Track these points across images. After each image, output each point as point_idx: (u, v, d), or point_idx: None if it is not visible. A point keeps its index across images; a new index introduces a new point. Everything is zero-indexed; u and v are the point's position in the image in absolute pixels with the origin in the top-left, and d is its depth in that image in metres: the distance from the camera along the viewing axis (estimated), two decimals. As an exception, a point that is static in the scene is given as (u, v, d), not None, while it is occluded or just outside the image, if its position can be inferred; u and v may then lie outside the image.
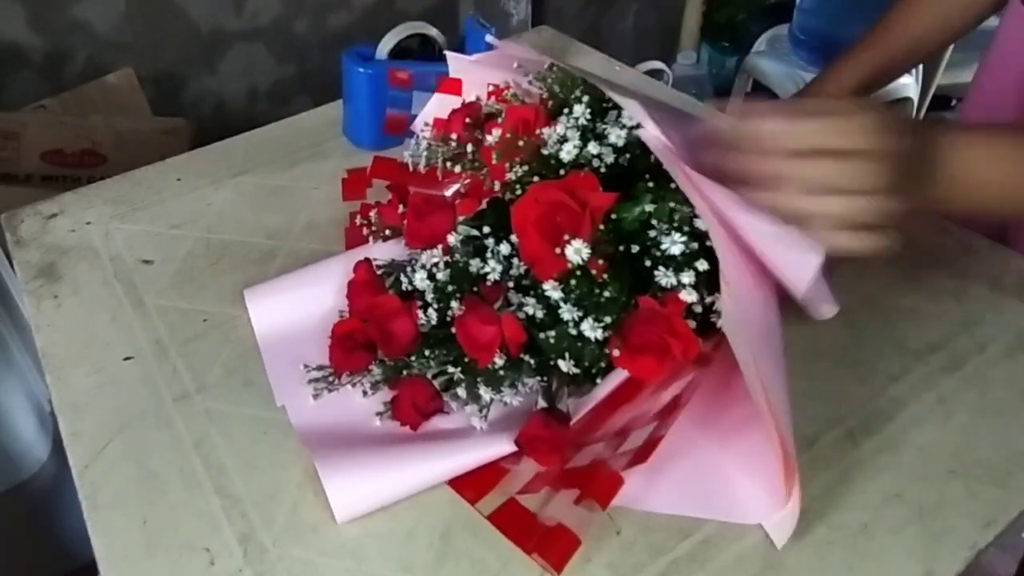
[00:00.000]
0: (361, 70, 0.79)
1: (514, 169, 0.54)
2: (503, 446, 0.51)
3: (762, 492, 0.50)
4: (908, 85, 1.65)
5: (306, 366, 0.57)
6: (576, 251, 0.47)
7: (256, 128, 0.89)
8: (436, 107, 0.68)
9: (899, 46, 0.66)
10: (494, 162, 0.55)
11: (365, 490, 0.51)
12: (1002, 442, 0.55)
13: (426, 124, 0.66)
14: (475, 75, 0.65)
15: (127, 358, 0.63)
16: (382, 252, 0.62)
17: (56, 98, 1.30)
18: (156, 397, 0.59)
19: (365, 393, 0.56)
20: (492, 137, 0.55)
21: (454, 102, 0.66)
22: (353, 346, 0.55)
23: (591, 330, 0.48)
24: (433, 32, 0.82)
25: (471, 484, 0.52)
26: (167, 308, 0.67)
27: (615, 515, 0.51)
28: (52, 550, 1.14)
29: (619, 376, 0.50)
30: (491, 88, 0.64)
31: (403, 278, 0.56)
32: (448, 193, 0.62)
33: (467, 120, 0.62)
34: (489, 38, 0.67)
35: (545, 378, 0.52)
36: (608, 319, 0.48)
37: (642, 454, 0.50)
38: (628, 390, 0.51)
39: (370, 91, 0.80)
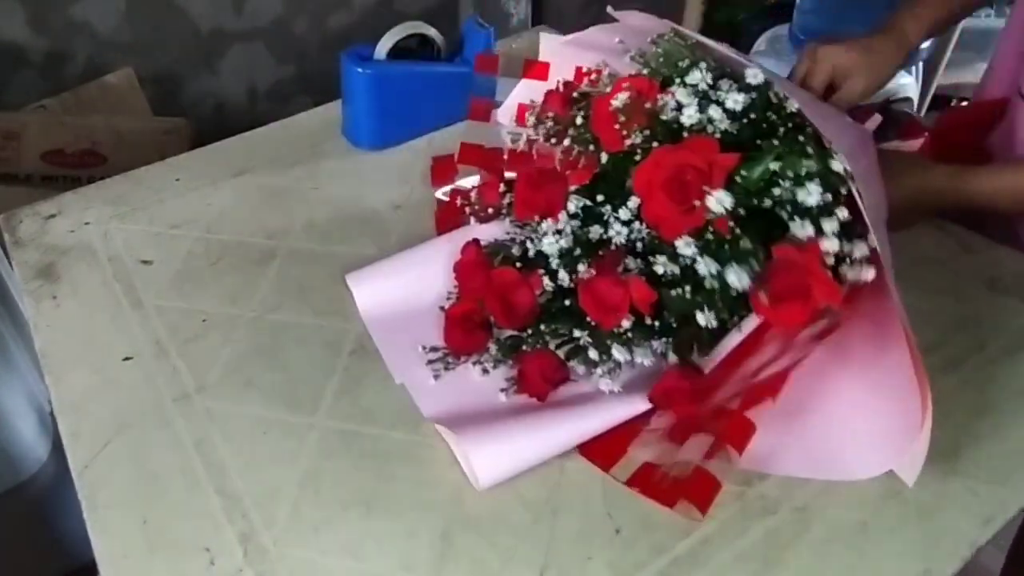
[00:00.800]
0: (360, 70, 0.79)
1: (634, 135, 0.54)
2: (637, 404, 0.53)
3: (890, 434, 0.50)
4: (908, 85, 1.65)
5: (424, 347, 0.58)
6: (718, 201, 0.48)
7: (256, 128, 0.89)
8: (524, 92, 0.69)
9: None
10: (618, 125, 0.55)
11: (505, 456, 0.52)
12: (1001, 441, 0.55)
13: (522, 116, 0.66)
14: (566, 56, 0.67)
15: (127, 358, 0.63)
16: (482, 233, 0.63)
17: (56, 98, 1.30)
18: (156, 397, 0.59)
19: (486, 371, 0.57)
20: (617, 101, 0.55)
21: (541, 87, 0.67)
22: (471, 327, 0.56)
23: (737, 279, 0.49)
24: (432, 32, 0.82)
25: (601, 451, 0.52)
26: (167, 308, 0.67)
27: (615, 514, 0.51)
28: (52, 550, 1.14)
29: (747, 327, 0.51)
30: (584, 70, 0.65)
31: (526, 246, 0.57)
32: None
33: (572, 95, 0.63)
34: (609, 9, 0.67)
35: (670, 339, 0.53)
36: (754, 265, 0.49)
37: (770, 388, 0.51)
38: (755, 340, 0.52)
39: (369, 91, 0.80)
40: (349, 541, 0.50)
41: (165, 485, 0.54)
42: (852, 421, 0.52)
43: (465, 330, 0.57)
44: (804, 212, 0.49)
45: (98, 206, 0.78)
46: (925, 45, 1.69)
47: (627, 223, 0.55)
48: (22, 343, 1.06)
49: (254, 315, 0.66)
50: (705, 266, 0.50)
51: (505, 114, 0.75)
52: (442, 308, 0.60)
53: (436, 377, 0.57)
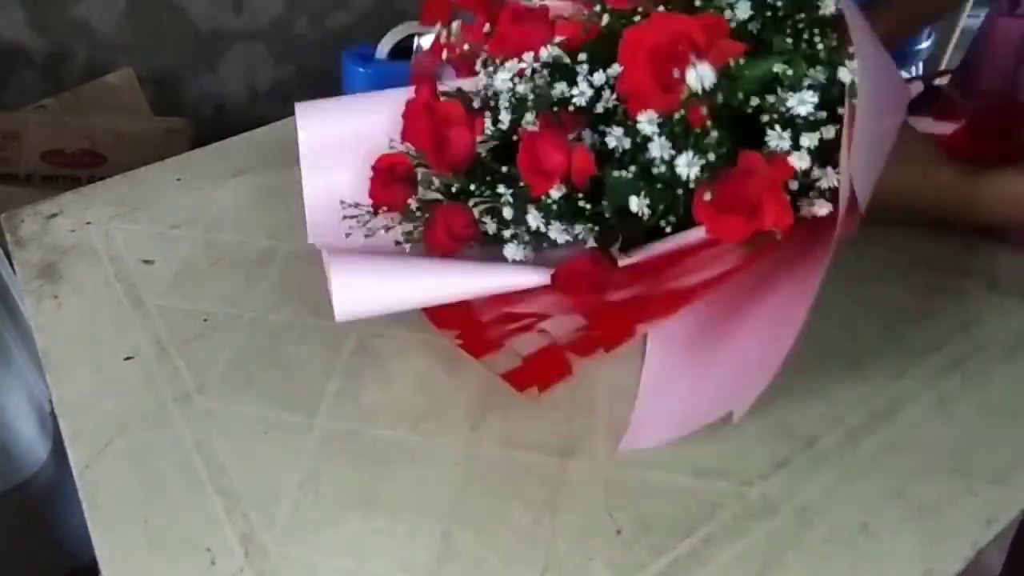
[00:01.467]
0: (361, 70, 0.79)
1: None
2: (535, 276, 0.48)
3: (749, 379, 0.46)
4: (908, 85, 1.65)
5: (343, 203, 0.53)
6: (699, 77, 0.43)
7: (256, 128, 0.89)
8: None
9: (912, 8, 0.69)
10: None
11: (371, 290, 0.48)
12: (1002, 441, 0.55)
13: None
14: None
15: (127, 358, 0.63)
16: (450, 84, 0.56)
17: (56, 98, 1.30)
18: (156, 397, 0.59)
19: (407, 235, 0.52)
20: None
21: None
22: (392, 179, 0.51)
23: (686, 167, 0.44)
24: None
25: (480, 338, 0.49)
26: (167, 308, 0.67)
27: (615, 514, 0.51)
28: (52, 550, 1.14)
29: (682, 238, 0.47)
30: None
31: (487, 96, 0.52)
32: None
33: None
34: None
35: (595, 227, 0.48)
36: (711, 157, 0.44)
37: (670, 304, 0.46)
38: (682, 254, 0.47)
39: (370, 90, 0.80)
40: (349, 541, 0.50)
41: (166, 485, 0.54)
42: (735, 367, 0.48)
43: (386, 181, 0.51)
44: (788, 122, 0.44)
45: (99, 206, 0.78)
46: (925, 45, 1.69)
47: (598, 89, 0.48)
48: (22, 343, 1.06)
49: (254, 315, 0.66)
50: (660, 147, 0.44)
51: None
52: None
53: (347, 235, 0.53)
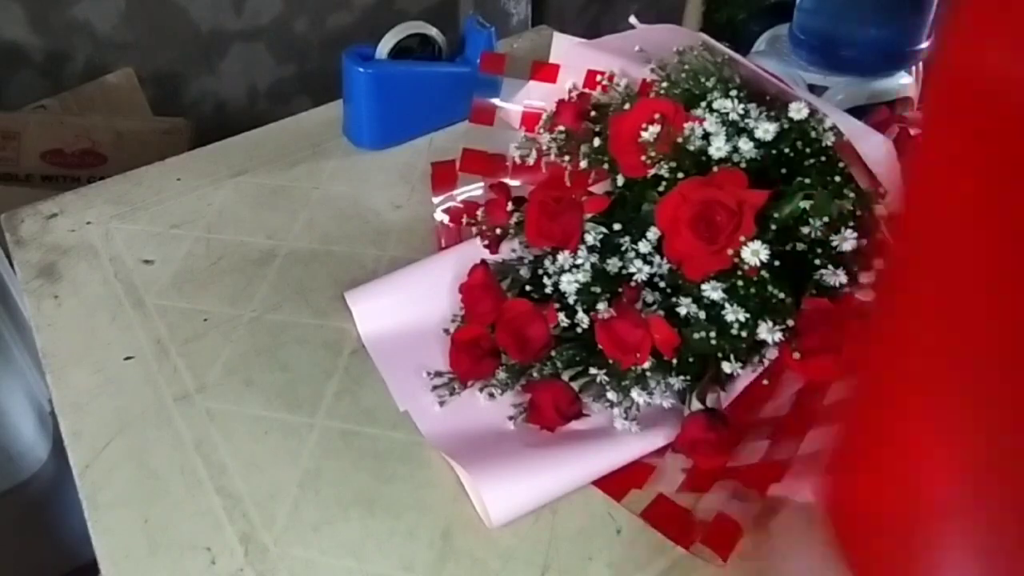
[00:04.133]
0: (361, 70, 0.79)
1: (658, 165, 0.51)
2: (655, 440, 0.50)
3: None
4: (908, 85, 1.64)
5: (428, 373, 0.56)
6: (754, 253, 0.46)
7: (256, 128, 0.89)
8: (530, 95, 0.66)
9: None
10: (646, 159, 0.52)
11: (519, 491, 0.50)
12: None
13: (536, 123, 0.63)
14: (580, 60, 0.63)
15: (127, 358, 0.63)
16: (487, 252, 0.60)
17: (56, 98, 1.30)
18: (156, 397, 0.59)
19: (492, 395, 0.55)
20: (648, 134, 0.52)
21: (549, 90, 0.64)
22: (480, 354, 0.53)
23: (768, 334, 0.47)
24: (433, 32, 0.82)
25: (616, 483, 0.50)
26: (167, 308, 0.67)
27: (615, 514, 0.51)
28: (52, 550, 1.14)
29: (774, 377, 0.49)
30: (598, 78, 0.62)
31: (537, 270, 0.55)
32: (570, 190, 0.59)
33: (587, 107, 0.59)
34: (632, 19, 0.63)
35: (688, 377, 0.51)
36: (788, 322, 0.46)
37: (796, 427, 0.48)
38: (774, 382, 0.50)
39: (371, 91, 0.80)
40: (349, 541, 0.50)
41: (166, 485, 0.54)
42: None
43: (473, 356, 0.54)
44: (836, 259, 0.47)
45: (99, 206, 0.78)
46: (924, 44, 1.69)
47: (647, 257, 0.52)
48: (22, 343, 1.06)
49: (254, 315, 0.66)
50: (733, 314, 0.47)
51: (511, 117, 0.72)
52: (446, 331, 0.57)
53: (442, 403, 0.55)
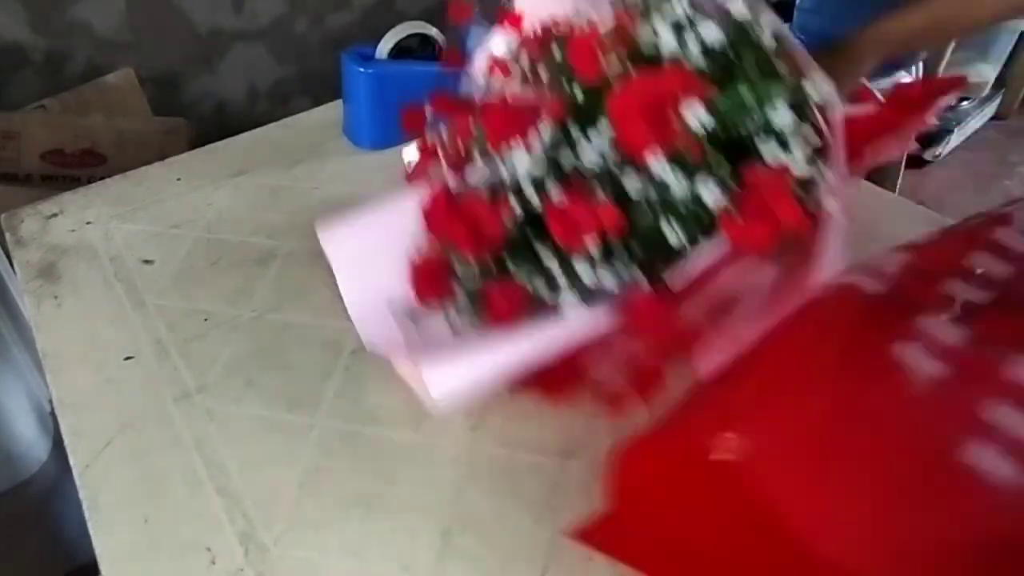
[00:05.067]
0: (361, 70, 0.79)
1: (611, 60, 0.54)
2: (600, 319, 0.51)
3: None
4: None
5: (391, 305, 0.56)
6: (695, 117, 0.48)
7: (256, 128, 0.89)
8: (496, 43, 0.67)
9: (947, 9, 0.66)
10: (601, 51, 0.54)
11: (459, 368, 0.50)
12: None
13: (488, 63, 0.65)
14: (538, 5, 0.65)
15: (127, 358, 0.63)
16: (451, 181, 0.60)
17: (56, 98, 1.30)
18: (156, 397, 0.59)
19: (452, 319, 0.55)
20: (603, 28, 0.55)
21: (514, 39, 0.66)
22: (436, 275, 0.55)
23: (708, 193, 0.49)
24: (433, 32, 0.82)
25: (555, 381, 0.52)
26: (167, 308, 0.67)
27: (615, 515, 0.51)
28: (52, 550, 1.14)
29: (714, 248, 0.51)
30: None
31: (494, 186, 0.56)
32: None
33: (547, 40, 0.61)
34: None
35: (637, 264, 0.53)
36: (726, 180, 0.49)
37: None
38: (718, 264, 0.51)
39: (370, 91, 0.80)
40: (349, 541, 0.50)
41: (166, 485, 0.54)
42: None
43: (430, 278, 0.55)
44: (774, 133, 0.50)
45: (99, 206, 0.78)
46: (925, 45, 1.69)
47: (603, 150, 0.53)
48: (22, 343, 1.06)
49: (254, 315, 0.66)
50: (679, 186, 0.49)
51: (478, 67, 0.71)
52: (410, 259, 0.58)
53: (414, 323, 0.56)
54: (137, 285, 0.69)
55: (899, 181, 1.38)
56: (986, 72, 2.19)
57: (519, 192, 0.54)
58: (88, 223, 0.76)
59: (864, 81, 0.71)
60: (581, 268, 0.51)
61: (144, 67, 1.41)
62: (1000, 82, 2.28)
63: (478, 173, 0.57)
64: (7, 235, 0.76)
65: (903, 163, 1.41)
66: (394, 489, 0.53)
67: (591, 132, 0.54)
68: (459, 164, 0.61)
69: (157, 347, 0.63)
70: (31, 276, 0.71)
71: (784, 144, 0.50)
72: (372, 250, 0.60)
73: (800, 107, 0.51)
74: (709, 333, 0.51)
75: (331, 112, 0.89)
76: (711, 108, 0.50)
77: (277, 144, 0.86)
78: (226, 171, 0.82)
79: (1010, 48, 2.20)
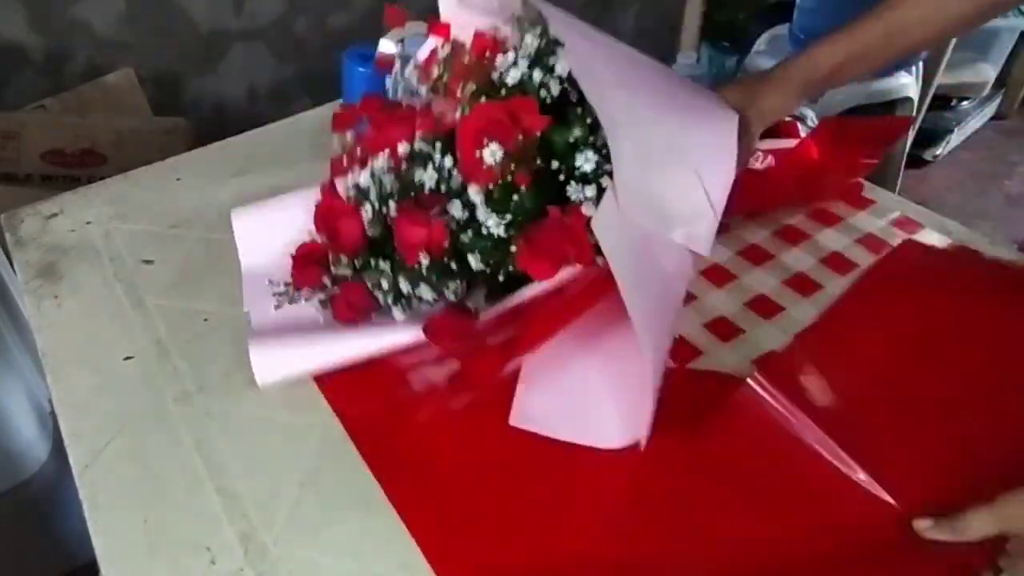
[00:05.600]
0: (361, 70, 0.79)
1: (465, 89, 0.58)
2: (411, 333, 0.57)
3: (621, 418, 0.54)
4: (908, 85, 1.65)
5: (270, 281, 0.61)
6: (492, 153, 0.52)
7: (256, 128, 0.89)
8: (426, 50, 0.69)
9: (875, 35, 0.63)
10: (440, 78, 0.59)
11: (284, 358, 0.58)
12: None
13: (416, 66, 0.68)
14: (463, 18, 0.66)
15: (127, 358, 0.63)
16: (358, 179, 0.64)
17: (56, 98, 1.30)
18: (156, 397, 0.59)
19: (323, 303, 0.61)
20: (443, 52, 0.60)
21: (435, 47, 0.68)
22: (309, 263, 0.60)
23: (496, 227, 0.53)
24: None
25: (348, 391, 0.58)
26: (167, 308, 0.67)
27: (615, 515, 0.51)
28: (52, 550, 1.14)
29: (531, 290, 0.56)
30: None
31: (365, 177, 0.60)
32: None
33: (442, 54, 0.65)
34: None
35: (464, 282, 0.58)
36: (509, 218, 0.54)
37: (529, 343, 0.54)
38: (540, 305, 0.56)
39: (370, 91, 0.80)
40: (349, 541, 0.50)
41: (166, 485, 0.54)
42: (603, 391, 0.56)
43: (305, 266, 0.60)
44: (580, 177, 0.53)
45: (99, 206, 0.78)
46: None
47: (450, 170, 0.56)
48: (22, 343, 1.06)
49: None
50: (483, 213, 0.54)
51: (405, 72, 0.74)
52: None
53: (277, 307, 0.60)
54: (137, 285, 0.69)
55: (899, 181, 1.38)
56: (986, 72, 2.19)
57: (372, 200, 0.58)
58: (88, 223, 0.76)
59: (793, 115, 0.71)
60: (403, 280, 0.56)
61: (144, 67, 1.41)
62: (1000, 82, 2.28)
63: (354, 177, 0.61)
64: (7, 235, 0.76)
65: (903, 163, 1.41)
66: (394, 489, 0.53)
67: (447, 154, 0.57)
68: (350, 166, 0.65)
69: (157, 347, 0.63)
70: (31, 276, 0.71)
71: (588, 183, 0.52)
72: (273, 234, 0.65)
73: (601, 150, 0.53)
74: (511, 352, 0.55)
75: (331, 112, 0.88)
76: (545, 141, 0.54)
77: (277, 144, 0.86)
78: (226, 171, 0.82)
79: (1010, 48, 2.20)
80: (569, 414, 0.55)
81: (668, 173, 0.52)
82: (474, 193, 0.54)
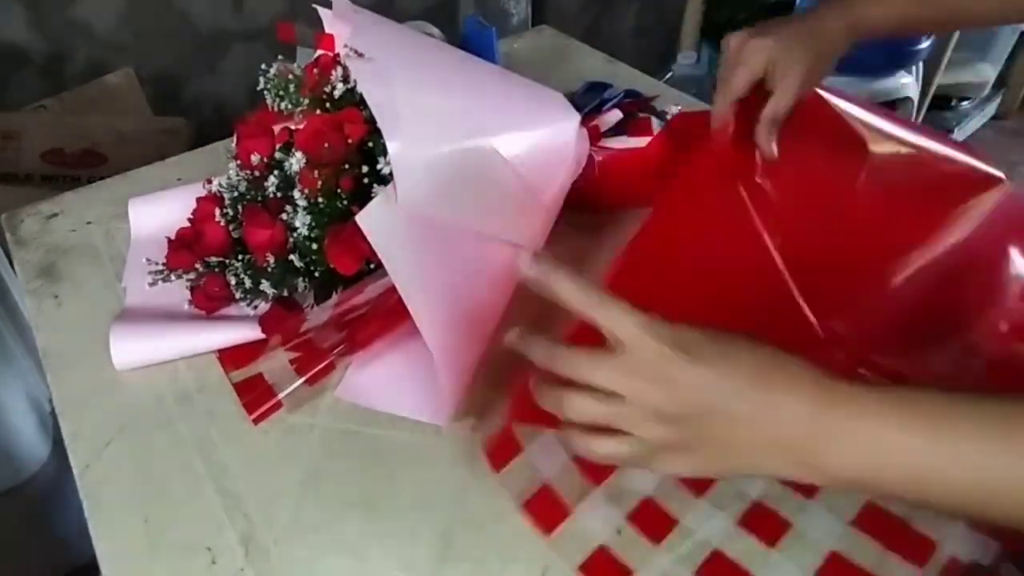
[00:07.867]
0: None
1: (301, 104, 0.64)
2: (248, 330, 0.61)
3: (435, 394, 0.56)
4: (908, 85, 1.65)
5: (148, 260, 0.65)
6: (297, 160, 0.59)
7: (256, 128, 0.88)
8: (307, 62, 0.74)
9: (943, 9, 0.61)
10: (286, 93, 0.65)
11: (142, 345, 0.61)
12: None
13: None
14: (342, 33, 0.71)
15: (128, 358, 0.63)
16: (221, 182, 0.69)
17: (56, 98, 1.30)
18: (156, 397, 0.59)
19: (190, 286, 0.64)
20: (297, 69, 0.66)
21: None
22: (182, 246, 0.65)
23: (303, 227, 0.58)
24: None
25: (234, 358, 0.62)
26: (167, 308, 0.67)
27: (614, 514, 0.51)
28: (52, 550, 1.14)
29: (350, 292, 0.59)
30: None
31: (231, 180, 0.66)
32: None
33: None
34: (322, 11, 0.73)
35: (307, 280, 0.62)
36: (309, 219, 0.59)
37: (353, 344, 0.60)
38: (368, 302, 0.59)
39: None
40: (349, 541, 0.50)
41: (166, 485, 0.54)
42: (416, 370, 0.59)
43: (178, 249, 0.65)
44: (381, 180, 0.58)
45: (99, 206, 0.78)
46: (924, 44, 1.68)
47: (288, 177, 0.61)
48: (22, 343, 1.06)
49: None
50: (300, 217, 0.58)
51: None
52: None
53: (151, 285, 0.64)
54: (137, 285, 0.69)
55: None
56: (986, 72, 2.19)
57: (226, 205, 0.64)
58: (88, 223, 0.76)
59: (652, 114, 0.71)
60: (249, 277, 0.61)
61: (144, 67, 1.41)
62: (1000, 82, 2.28)
63: (226, 179, 0.66)
64: (7, 235, 0.76)
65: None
66: (394, 489, 0.53)
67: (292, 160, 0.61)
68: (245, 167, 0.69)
69: (157, 347, 0.63)
70: (31, 276, 0.71)
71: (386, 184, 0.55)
72: (163, 219, 0.70)
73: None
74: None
75: (331, 112, 0.89)
76: (363, 148, 0.59)
77: (277, 144, 0.85)
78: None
79: (1010, 48, 2.20)
80: (393, 388, 0.59)
81: (483, 172, 0.57)
82: (298, 197, 0.59)
